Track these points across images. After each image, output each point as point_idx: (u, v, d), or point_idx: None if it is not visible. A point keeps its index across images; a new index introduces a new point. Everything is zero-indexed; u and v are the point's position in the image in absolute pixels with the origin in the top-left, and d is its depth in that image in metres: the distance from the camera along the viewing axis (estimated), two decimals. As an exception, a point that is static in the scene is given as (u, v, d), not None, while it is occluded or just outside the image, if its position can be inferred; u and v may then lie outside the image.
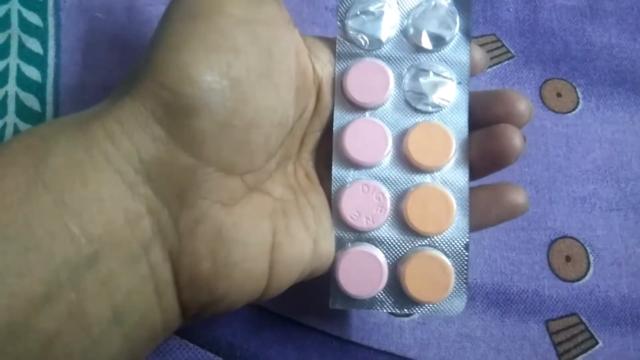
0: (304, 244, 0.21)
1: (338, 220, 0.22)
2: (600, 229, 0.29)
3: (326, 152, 0.23)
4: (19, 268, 0.15)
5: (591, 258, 0.29)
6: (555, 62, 0.31)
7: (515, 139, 0.21)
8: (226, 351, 0.26)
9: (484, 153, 0.22)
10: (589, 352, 0.27)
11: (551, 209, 0.29)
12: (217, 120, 0.17)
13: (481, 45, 0.31)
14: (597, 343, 0.27)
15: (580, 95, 0.31)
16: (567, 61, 0.31)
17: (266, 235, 0.20)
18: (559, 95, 0.31)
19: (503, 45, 0.31)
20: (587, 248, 0.29)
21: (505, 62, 0.31)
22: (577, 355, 0.27)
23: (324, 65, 0.23)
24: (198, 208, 0.18)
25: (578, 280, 0.28)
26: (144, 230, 0.17)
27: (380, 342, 0.27)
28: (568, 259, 0.29)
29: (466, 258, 0.22)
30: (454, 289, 0.22)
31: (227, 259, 0.18)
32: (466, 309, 0.27)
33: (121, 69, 0.30)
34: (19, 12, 0.30)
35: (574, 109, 0.31)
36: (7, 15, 0.30)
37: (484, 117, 0.23)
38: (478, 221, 0.22)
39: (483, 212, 0.22)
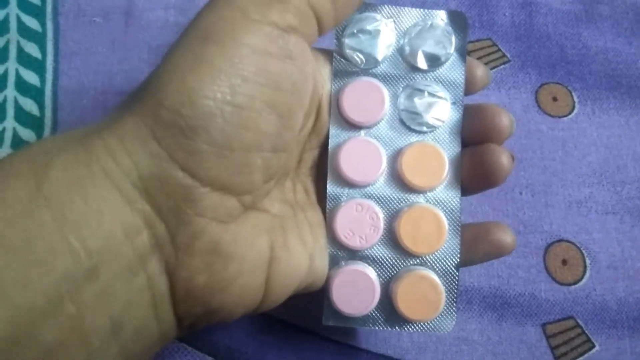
0: (301, 258, 0.21)
1: (332, 238, 0.22)
2: (597, 233, 0.29)
3: (325, 169, 0.23)
4: (21, 281, 0.15)
5: (587, 261, 0.29)
6: (551, 67, 0.32)
7: (503, 159, 0.21)
8: (224, 355, 0.26)
9: (473, 173, 0.22)
10: (586, 355, 0.27)
11: (547, 213, 0.29)
12: (215, 143, 0.17)
13: (477, 50, 0.32)
14: (593, 346, 0.28)
15: (576, 99, 0.31)
16: (563, 65, 0.32)
17: (264, 250, 0.20)
18: (554, 99, 0.31)
19: (499, 50, 0.32)
20: (584, 251, 0.29)
21: (501, 67, 0.31)
22: (574, 359, 0.27)
23: (324, 82, 0.23)
24: (194, 225, 0.18)
25: (574, 283, 0.28)
26: (142, 244, 0.17)
27: (378, 345, 0.27)
28: (564, 262, 0.29)
29: (457, 277, 0.22)
30: (444, 308, 0.22)
31: (223, 273, 0.19)
32: (463, 312, 0.28)
33: (119, 73, 0.30)
34: (18, 17, 0.30)
35: (569, 113, 0.31)
36: (6, 19, 0.30)
37: (467, 132, 0.23)
38: (464, 258, 0.23)
39: (469, 249, 0.22)
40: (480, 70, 0.23)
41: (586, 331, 0.28)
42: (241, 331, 0.27)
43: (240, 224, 0.19)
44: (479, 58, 0.31)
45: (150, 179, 0.17)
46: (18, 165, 0.17)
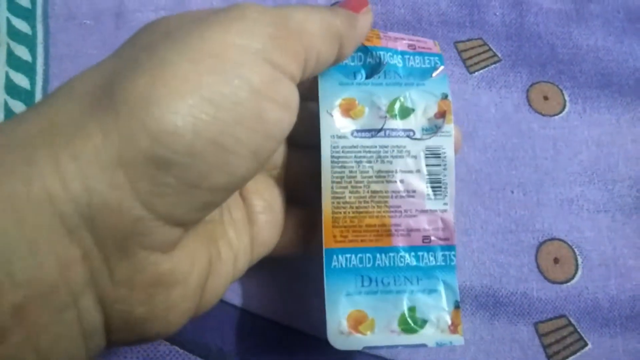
0: (230, 264, 0.21)
1: None
2: (588, 231, 0.29)
3: (293, 173, 0.23)
4: None
5: (579, 260, 0.29)
6: (541, 65, 0.32)
7: None
8: (216, 356, 0.26)
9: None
10: (579, 353, 0.27)
11: (539, 211, 0.29)
12: (187, 181, 0.16)
13: (468, 50, 0.32)
14: (586, 344, 0.28)
15: (567, 98, 0.31)
16: (554, 64, 0.32)
17: (204, 268, 0.19)
18: (545, 98, 0.31)
19: (490, 49, 0.32)
20: (575, 250, 0.29)
21: (492, 66, 0.31)
22: (567, 357, 0.27)
23: None
24: (137, 258, 0.16)
25: (566, 282, 0.28)
26: (75, 277, 0.16)
27: (370, 345, 0.27)
28: (556, 260, 0.29)
29: None
30: None
31: (165, 302, 0.18)
32: (455, 311, 0.28)
33: (110, 75, 0.30)
34: (8, 20, 0.30)
35: (560, 112, 0.31)
36: (-4, 23, 0.30)
37: None
38: None
39: None
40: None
41: (578, 329, 0.28)
42: (233, 332, 0.27)
43: (182, 248, 0.18)
44: (470, 58, 0.31)
45: (100, 209, 0.15)
46: None
